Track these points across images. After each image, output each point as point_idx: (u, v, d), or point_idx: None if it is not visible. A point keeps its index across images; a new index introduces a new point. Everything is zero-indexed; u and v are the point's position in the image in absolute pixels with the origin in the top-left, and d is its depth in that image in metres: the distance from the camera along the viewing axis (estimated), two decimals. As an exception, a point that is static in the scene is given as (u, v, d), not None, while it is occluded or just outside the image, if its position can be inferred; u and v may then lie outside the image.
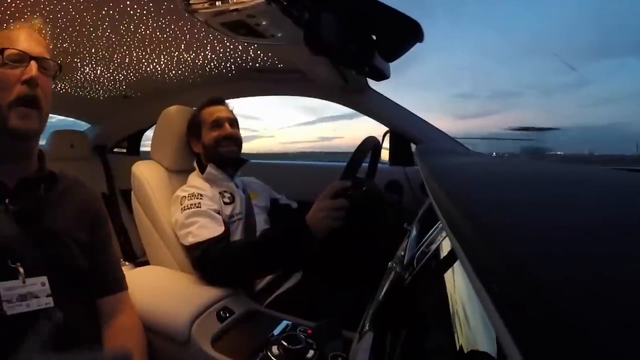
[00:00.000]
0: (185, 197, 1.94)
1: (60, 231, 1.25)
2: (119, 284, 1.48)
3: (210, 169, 2.10)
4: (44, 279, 1.17)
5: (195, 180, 2.12)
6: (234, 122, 2.17)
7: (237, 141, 2.16)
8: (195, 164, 2.20)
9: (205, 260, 1.77)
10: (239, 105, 3.08)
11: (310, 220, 1.60)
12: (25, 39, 1.22)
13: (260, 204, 2.29)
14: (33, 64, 1.18)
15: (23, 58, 1.18)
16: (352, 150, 1.74)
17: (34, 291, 1.15)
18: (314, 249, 1.62)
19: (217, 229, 1.84)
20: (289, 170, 3.36)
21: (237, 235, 2.03)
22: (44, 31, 1.33)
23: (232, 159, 2.15)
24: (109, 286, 1.44)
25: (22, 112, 1.16)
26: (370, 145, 1.82)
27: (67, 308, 1.22)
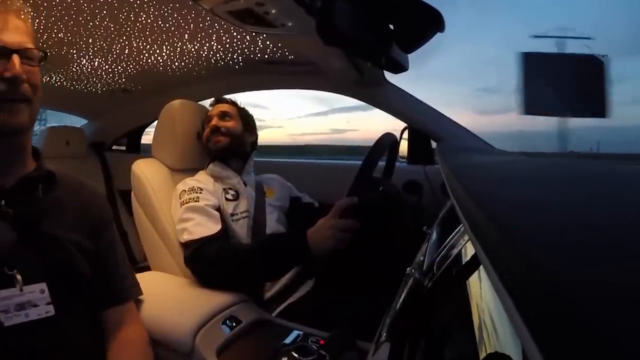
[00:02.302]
0: (185, 190, 1.99)
1: (60, 236, 1.23)
2: (126, 294, 1.47)
3: (212, 165, 2.17)
4: (43, 285, 1.15)
5: (200, 175, 2.18)
6: (225, 114, 2.22)
7: (225, 131, 2.19)
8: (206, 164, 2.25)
9: (196, 259, 1.82)
10: (246, 94, 3.09)
11: (311, 237, 1.63)
12: (3, 27, 1.14)
13: (275, 202, 2.31)
14: (15, 58, 1.12)
15: (2, 52, 1.12)
16: (366, 144, 1.74)
17: (33, 299, 1.13)
18: (314, 267, 1.64)
19: (213, 228, 1.88)
20: (304, 168, 3.35)
21: (242, 233, 2.06)
22: (22, 13, 1.23)
23: (219, 150, 2.18)
24: (116, 296, 1.42)
25: (10, 108, 1.13)
26: (387, 143, 1.82)
27: (69, 318, 1.21)
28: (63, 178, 1.35)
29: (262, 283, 2.01)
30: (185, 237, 1.86)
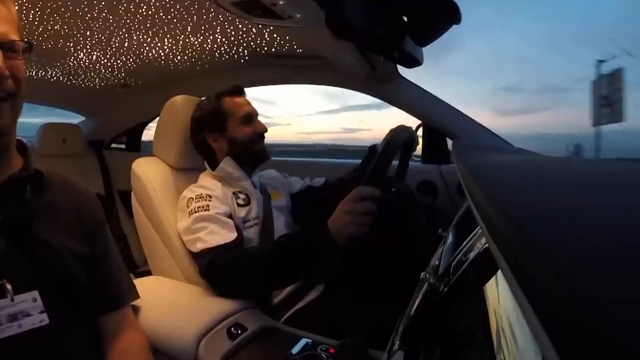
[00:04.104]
0: (192, 198, 1.94)
1: (52, 241, 1.20)
2: (123, 298, 1.45)
3: (224, 165, 2.09)
4: (35, 293, 1.13)
5: (204, 180, 2.13)
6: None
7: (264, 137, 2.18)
8: (206, 165, 2.19)
9: (213, 269, 1.77)
10: (252, 87, 3.08)
11: (332, 225, 1.58)
12: None
13: (281, 204, 2.30)
14: None
15: None
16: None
17: (26, 309, 1.11)
18: (336, 259, 1.61)
19: (229, 235, 1.84)
20: (312, 168, 3.33)
21: (253, 241, 2.03)
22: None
23: (264, 158, 2.17)
24: (113, 302, 1.40)
25: None
26: (404, 138, 1.81)
27: (64, 326, 1.19)
28: (53, 178, 1.32)
29: (284, 287, 2.01)
30: (199, 246, 1.82)
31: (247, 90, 2.21)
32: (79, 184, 1.43)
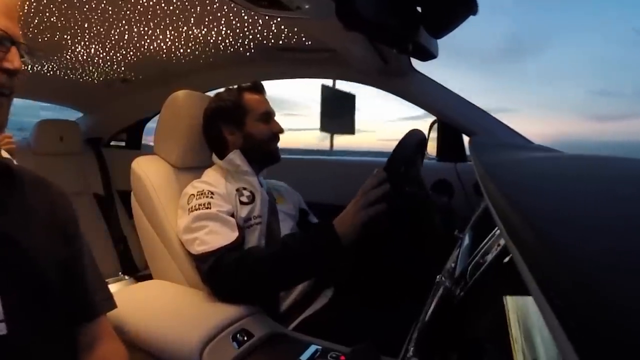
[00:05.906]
0: (193, 195, 1.94)
1: (22, 242, 1.16)
2: (98, 308, 1.39)
3: (233, 157, 2.09)
4: None
5: (208, 175, 2.13)
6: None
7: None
8: (215, 158, 2.19)
9: (216, 273, 1.76)
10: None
11: (338, 223, 1.59)
12: (3, 13, 1.10)
13: (288, 210, 2.29)
14: (14, 50, 1.09)
15: (2, 40, 1.08)
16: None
17: None
18: (345, 261, 1.61)
19: (230, 235, 1.83)
20: (335, 167, 3.37)
21: (254, 241, 2.02)
22: None
23: (275, 159, 2.19)
24: (87, 310, 1.35)
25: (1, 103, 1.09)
26: (414, 140, 1.82)
27: (29, 337, 1.14)
28: (24, 174, 1.28)
29: (290, 289, 2.00)
30: (199, 248, 1.81)
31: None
32: (52, 182, 1.39)
